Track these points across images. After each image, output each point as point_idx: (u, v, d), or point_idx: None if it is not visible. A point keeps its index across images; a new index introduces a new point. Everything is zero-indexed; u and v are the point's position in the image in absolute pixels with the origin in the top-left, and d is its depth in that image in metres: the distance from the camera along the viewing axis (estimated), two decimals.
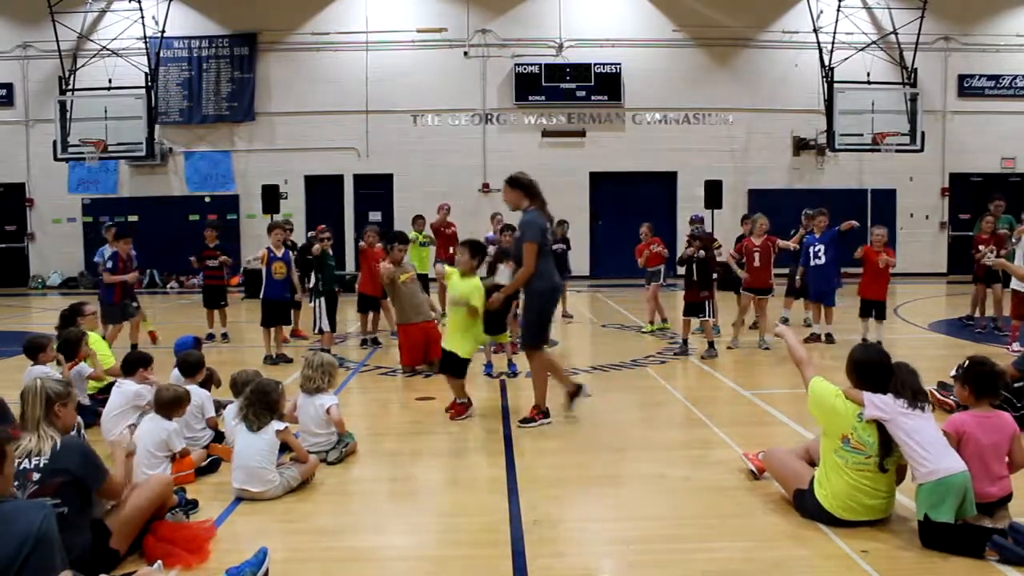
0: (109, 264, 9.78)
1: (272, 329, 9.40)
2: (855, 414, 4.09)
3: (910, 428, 3.96)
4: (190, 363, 5.97)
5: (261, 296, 9.46)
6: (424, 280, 11.02)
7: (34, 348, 6.26)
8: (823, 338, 10.04)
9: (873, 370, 4.18)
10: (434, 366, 8.57)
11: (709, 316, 9.45)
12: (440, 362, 6.74)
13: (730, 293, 11.25)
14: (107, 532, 3.66)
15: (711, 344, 9.30)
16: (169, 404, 5.06)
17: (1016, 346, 8.95)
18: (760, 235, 9.92)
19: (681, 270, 9.82)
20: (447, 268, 6.90)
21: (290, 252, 9.90)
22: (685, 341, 9.58)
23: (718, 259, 10.92)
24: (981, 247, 10.65)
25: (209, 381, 6.16)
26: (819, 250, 10.14)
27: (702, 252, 9.28)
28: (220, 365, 6.76)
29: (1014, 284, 9.36)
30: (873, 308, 9.53)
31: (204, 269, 11.50)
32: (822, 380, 4.35)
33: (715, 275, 9.85)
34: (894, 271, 10.08)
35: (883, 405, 4.04)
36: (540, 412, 6.40)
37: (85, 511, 3.54)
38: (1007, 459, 4.07)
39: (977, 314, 11.15)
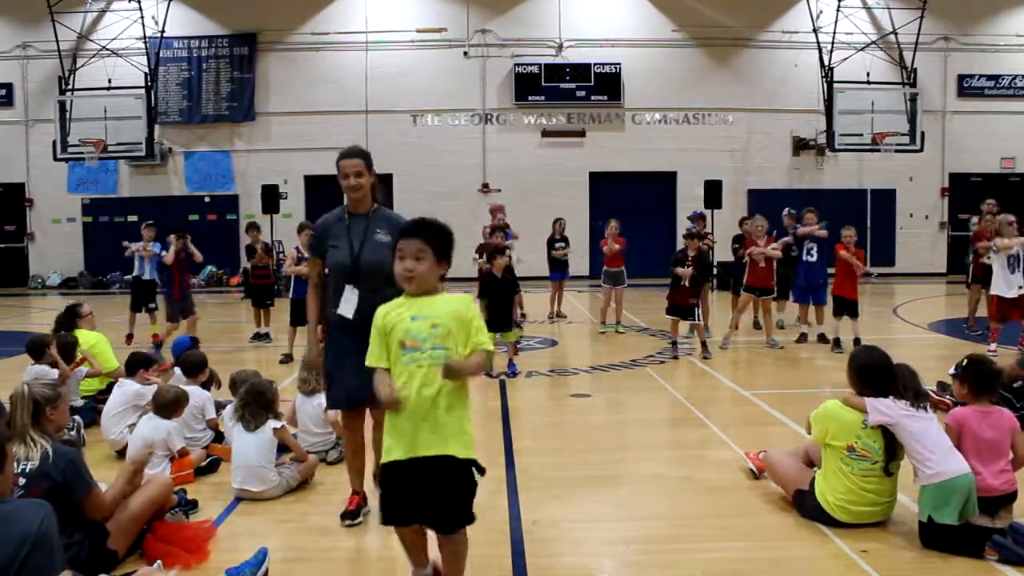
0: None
1: (294, 329, 9.43)
2: (859, 422, 4.08)
3: (915, 430, 3.95)
4: (192, 363, 5.97)
5: (290, 296, 9.56)
6: None
7: (37, 347, 6.24)
8: (819, 339, 10.03)
9: (876, 373, 4.16)
10: None
11: (698, 319, 9.33)
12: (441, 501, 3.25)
13: (726, 293, 11.25)
14: (105, 533, 3.65)
15: (704, 345, 9.25)
16: (169, 405, 5.06)
17: (994, 347, 8.93)
18: (760, 236, 9.90)
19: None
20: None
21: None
22: (675, 343, 9.51)
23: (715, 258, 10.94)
24: (980, 245, 10.61)
25: (210, 382, 6.16)
26: (811, 248, 10.15)
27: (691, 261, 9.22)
28: (220, 365, 6.76)
29: (993, 289, 9.31)
30: (846, 307, 9.47)
31: (255, 269, 11.35)
32: (817, 410, 4.28)
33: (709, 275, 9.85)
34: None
35: (886, 409, 4.03)
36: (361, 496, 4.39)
37: (76, 514, 3.52)
38: (1010, 454, 4.08)
39: (971, 314, 11.16)
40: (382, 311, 3.17)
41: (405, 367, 3.06)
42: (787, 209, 11.68)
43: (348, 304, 4.07)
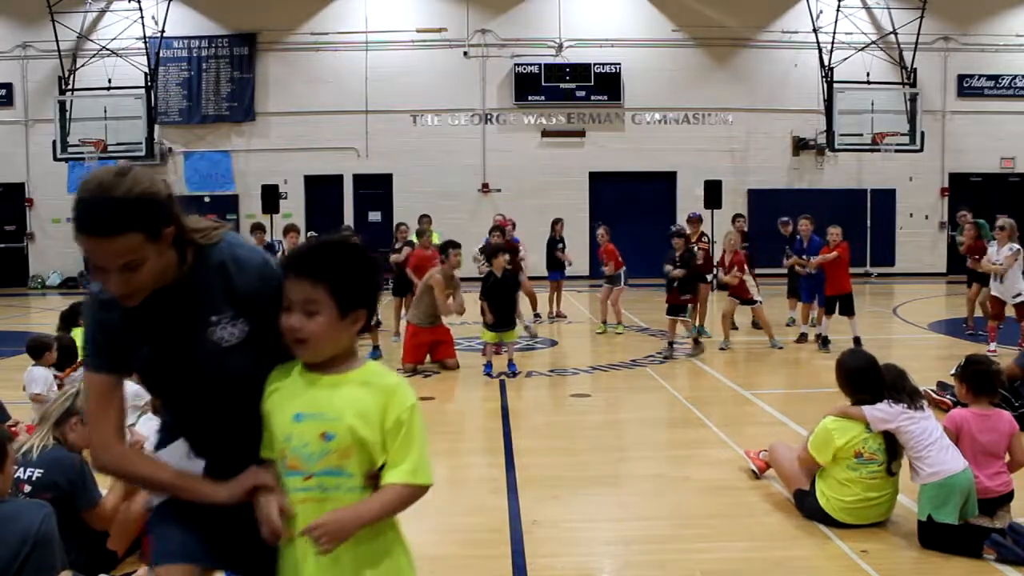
0: None
1: None
2: (862, 429, 4.07)
3: (914, 431, 3.95)
4: None
5: None
6: None
7: (38, 348, 6.21)
8: (819, 340, 9.99)
9: (865, 376, 4.16)
10: (447, 367, 8.58)
11: (688, 316, 9.40)
12: None
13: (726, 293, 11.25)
14: (104, 533, 3.65)
15: (696, 341, 9.29)
16: None
17: (993, 346, 8.90)
18: (732, 250, 9.90)
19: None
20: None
21: None
22: (672, 344, 9.46)
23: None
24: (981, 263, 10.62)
25: None
26: (807, 266, 10.07)
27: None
28: None
29: (993, 290, 9.27)
30: (838, 303, 9.39)
31: None
32: (812, 437, 4.26)
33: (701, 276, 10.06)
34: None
35: (884, 415, 4.02)
36: None
37: (77, 519, 3.50)
38: (1007, 457, 4.08)
39: (969, 315, 11.13)
40: (272, 381, 1.97)
41: (289, 495, 1.90)
42: (782, 218, 11.57)
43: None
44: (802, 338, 10.11)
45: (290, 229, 9.95)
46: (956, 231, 11.96)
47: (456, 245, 9.22)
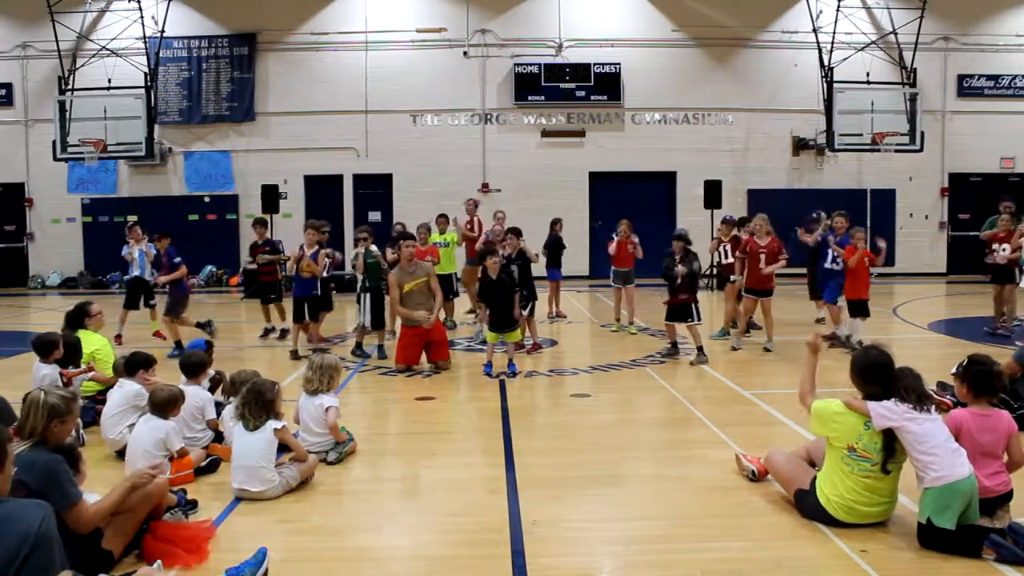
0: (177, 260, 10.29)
1: (299, 325, 9.63)
2: (861, 424, 4.08)
3: (918, 433, 3.94)
4: (190, 364, 5.97)
5: (292, 293, 9.80)
6: (449, 280, 11.42)
7: (46, 346, 6.21)
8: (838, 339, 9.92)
9: (876, 371, 4.17)
10: (440, 368, 8.58)
11: (697, 320, 9.11)
12: None
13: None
14: (99, 533, 3.64)
15: (700, 349, 9.00)
16: (164, 404, 5.05)
17: None
18: (763, 236, 9.85)
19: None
20: None
21: (320, 251, 9.92)
22: (674, 344, 9.35)
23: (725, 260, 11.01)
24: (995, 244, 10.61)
25: (216, 385, 6.16)
26: (838, 256, 9.96)
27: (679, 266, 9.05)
28: (219, 364, 6.75)
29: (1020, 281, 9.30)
30: (856, 306, 9.43)
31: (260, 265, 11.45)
32: (821, 402, 4.32)
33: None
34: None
35: (889, 413, 4.02)
36: None
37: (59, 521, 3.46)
38: (1006, 457, 4.09)
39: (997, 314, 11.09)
40: None
41: None
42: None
43: None
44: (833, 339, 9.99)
45: (310, 227, 10.04)
46: (988, 224, 11.74)
47: (408, 236, 9.40)
